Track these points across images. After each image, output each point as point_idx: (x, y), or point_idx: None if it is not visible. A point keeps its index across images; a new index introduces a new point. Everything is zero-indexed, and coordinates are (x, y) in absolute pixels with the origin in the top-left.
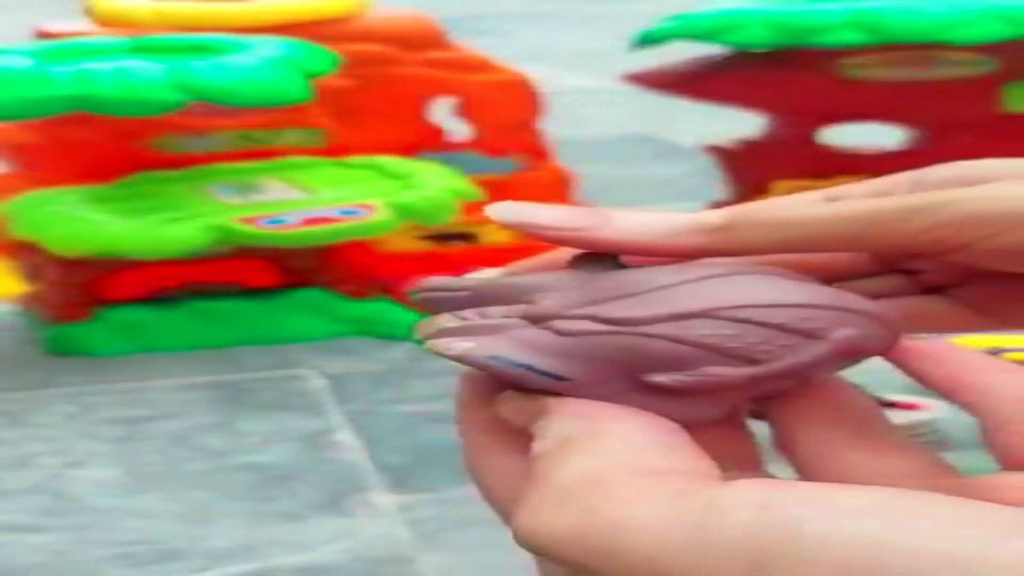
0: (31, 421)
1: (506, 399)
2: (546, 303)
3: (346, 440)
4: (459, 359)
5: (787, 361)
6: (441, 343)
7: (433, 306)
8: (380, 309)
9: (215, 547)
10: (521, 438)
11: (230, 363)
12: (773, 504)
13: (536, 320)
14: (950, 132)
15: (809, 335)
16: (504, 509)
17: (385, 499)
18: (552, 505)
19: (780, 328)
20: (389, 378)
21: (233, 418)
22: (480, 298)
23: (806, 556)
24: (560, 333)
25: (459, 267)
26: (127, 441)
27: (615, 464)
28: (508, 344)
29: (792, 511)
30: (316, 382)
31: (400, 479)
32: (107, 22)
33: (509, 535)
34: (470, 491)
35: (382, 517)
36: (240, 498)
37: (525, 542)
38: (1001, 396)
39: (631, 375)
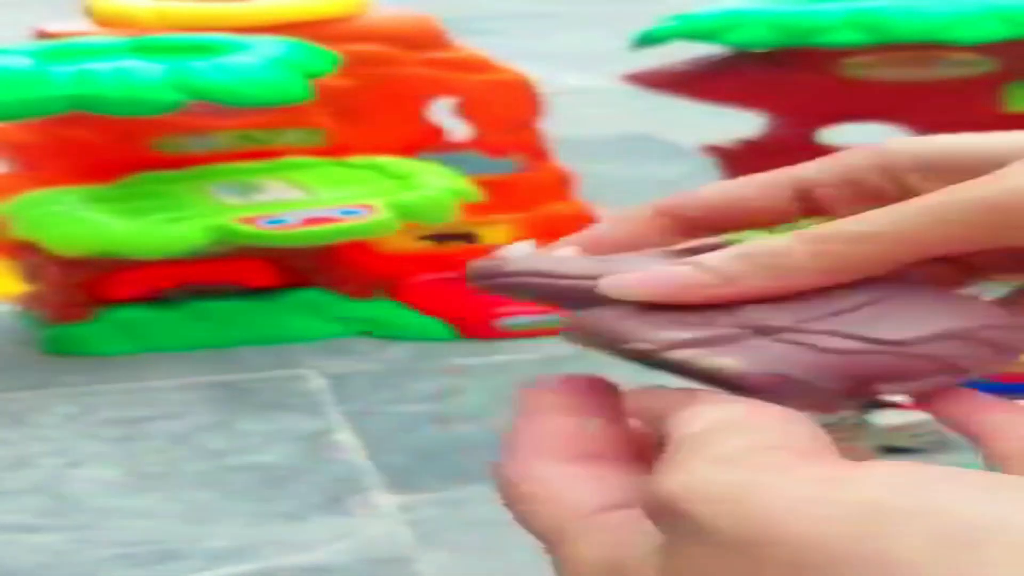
0: (31, 421)
1: (638, 393)
2: (779, 316)
3: (346, 440)
4: (723, 375)
5: (986, 372)
6: (692, 354)
7: (505, 290)
8: (380, 309)
9: (215, 547)
10: (576, 450)
11: (230, 363)
12: (926, 484)
13: (767, 332)
14: (950, 132)
15: (1005, 351)
16: (553, 519)
17: (385, 499)
18: (710, 470)
19: (993, 345)
20: (389, 378)
21: (233, 418)
22: (554, 277)
23: (985, 534)
24: (824, 351)
25: (459, 267)
26: (127, 441)
27: (769, 443)
28: (777, 360)
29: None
30: (316, 382)
31: (400, 479)
32: (107, 22)
33: (508, 535)
34: (470, 491)
35: (382, 517)
36: (240, 498)
37: (670, 501)
38: (1006, 435)
39: (851, 387)
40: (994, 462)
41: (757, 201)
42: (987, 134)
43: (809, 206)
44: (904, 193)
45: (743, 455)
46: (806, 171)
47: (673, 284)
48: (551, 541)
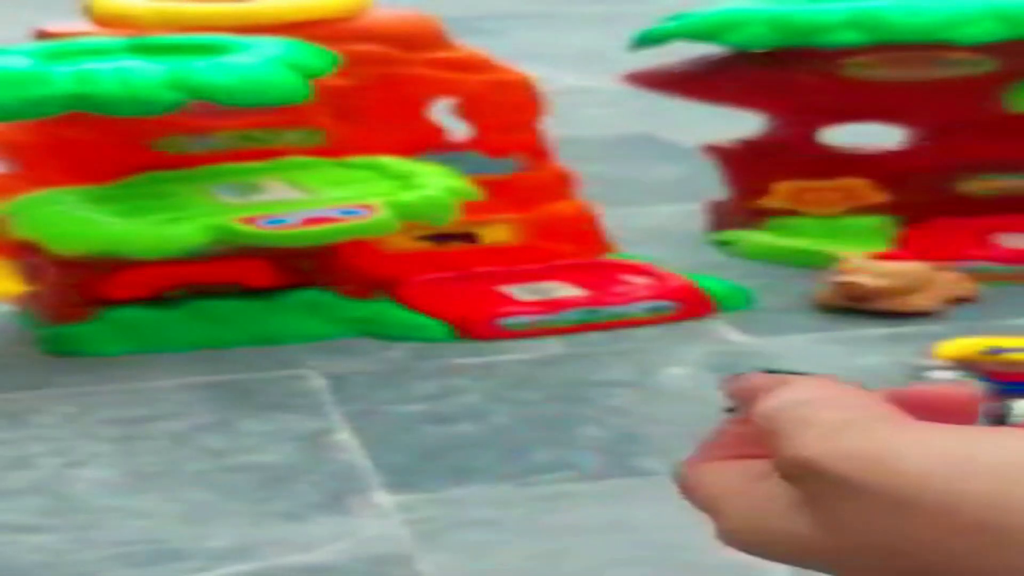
0: (31, 421)
1: (745, 377)
2: None
3: (346, 440)
4: None
5: None
6: None
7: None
8: (380, 309)
9: (215, 547)
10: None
11: (230, 363)
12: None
13: None
14: (950, 132)
15: None
16: (711, 497)
17: (385, 499)
18: (831, 434)
19: None
20: (389, 378)
21: (233, 418)
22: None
23: None
24: None
25: (459, 267)
26: (127, 441)
27: (865, 413)
28: None
29: None
30: (316, 382)
31: (400, 479)
32: (107, 22)
33: (508, 535)
34: (470, 491)
35: (382, 517)
36: (240, 498)
37: (811, 462)
38: None
39: None
40: None
41: None
42: None
43: None
44: None
45: (850, 425)
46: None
47: None
48: (712, 512)
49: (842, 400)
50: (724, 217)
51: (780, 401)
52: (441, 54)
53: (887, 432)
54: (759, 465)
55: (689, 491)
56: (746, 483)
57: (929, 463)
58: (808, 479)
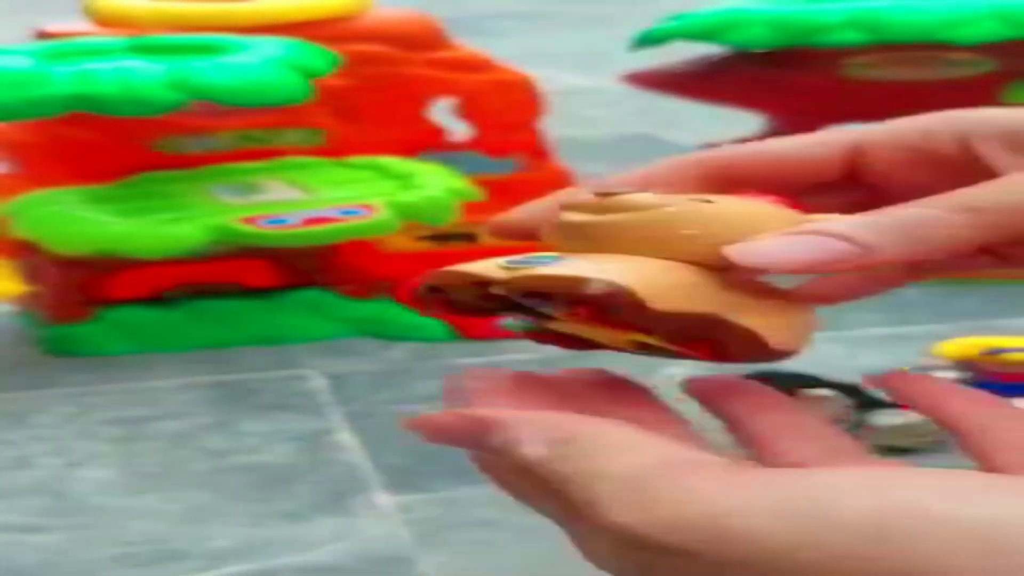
0: (31, 421)
1: (448, 415)
2: None
3: (346, 440)
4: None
5: None
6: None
7: None
8: (380, 309)
9: (215, 547)
10: None
11: (230, 363)
12: (883, 486)
13: None
14: None
15: None
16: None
17: (385, 499)
18: (638, 495)
19: None
20: (389, 378)
21: (233, 418)
22: None
23: (933, 531)
24: None
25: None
26: (127, 441)
27: (661, 457)
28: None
29: (907, 493)
30: (316, 382)
31: (400, 479)
32: (107, 22)
33: (509, 535)
34: (470, 491)
35: (382, 517)
36: (240, 498)
37: (626, 535)
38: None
39: None
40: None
41: (805, 160)
42: None
43: (858, 169)
44: (977, 165)
45: (654, 476)
46: (864, 133)
47: (820, 253)
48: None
49: (616, 440)
50: None
51: (533, 446)
52: (441, 54)
53: (704, 484)
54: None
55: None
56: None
57: (772, 524)
58: (624, 545)
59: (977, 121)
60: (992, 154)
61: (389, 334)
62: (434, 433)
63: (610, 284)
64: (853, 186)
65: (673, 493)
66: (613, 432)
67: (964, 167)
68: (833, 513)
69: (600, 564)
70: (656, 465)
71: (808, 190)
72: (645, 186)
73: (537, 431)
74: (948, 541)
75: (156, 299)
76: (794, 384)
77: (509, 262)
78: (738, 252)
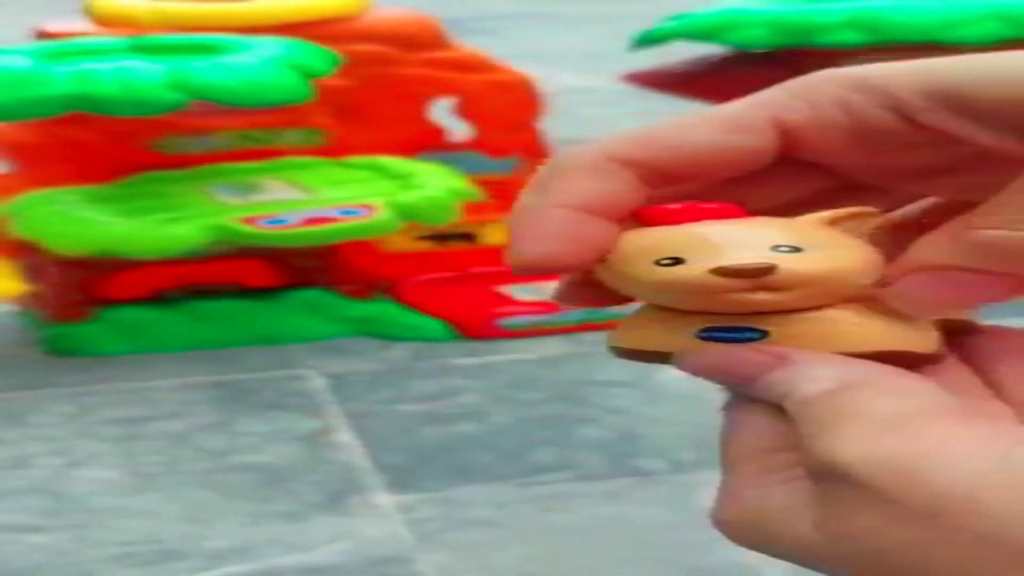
0: (31, 421)
1: (737, 349)
2: None
3: (346, 440)
4: None
5: None
6: None
7: None
8: (380, 309)
9: (215, 547)
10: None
11: (230, 363)
12: None
13: None
14: None
15: None
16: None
17: (385, 499)
18: (877, 433)
19: None
20: (389, 378)
21: (233, 418)
22: None
23: None
24: None
25: (459, 267)
26: (127, 441)
27: (923, 405)
28: None
29: None
30: (316, 382)
31: (400, 479)
32: (107, 22)
33: (508, 535)
34: (470, 491)
35: (382, 517)
36: (240, 498)
37: (845, 469)
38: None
39: None
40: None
41: (732, 153)
42: (990, 55)
43: (792, 153)
44: (927, 135)
45: (907, 421)
46: (782, 114)
47: (968, 290)
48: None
49: (894, 385)
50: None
51: (819, 382)
52: (441, 54)
53: (940, 434)
54: (782, 457)
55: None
56: (762, 470)
57: (960, 474)
58: (836, 481)
59: (884, 82)
60: (945, 124)
61: (389, 334)
62: (718, 364)
63: (882, 352)
64: (793, 169)
65: (907, 436)
66: (894, 376)
67: (912, 138)
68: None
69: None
70: (908, 413)
71: (744, 181)
72: (591, 206)
73: (831, 368)
74: None
75: (156, 299)
76: None
77: (705, 334)
78: (897, 299)
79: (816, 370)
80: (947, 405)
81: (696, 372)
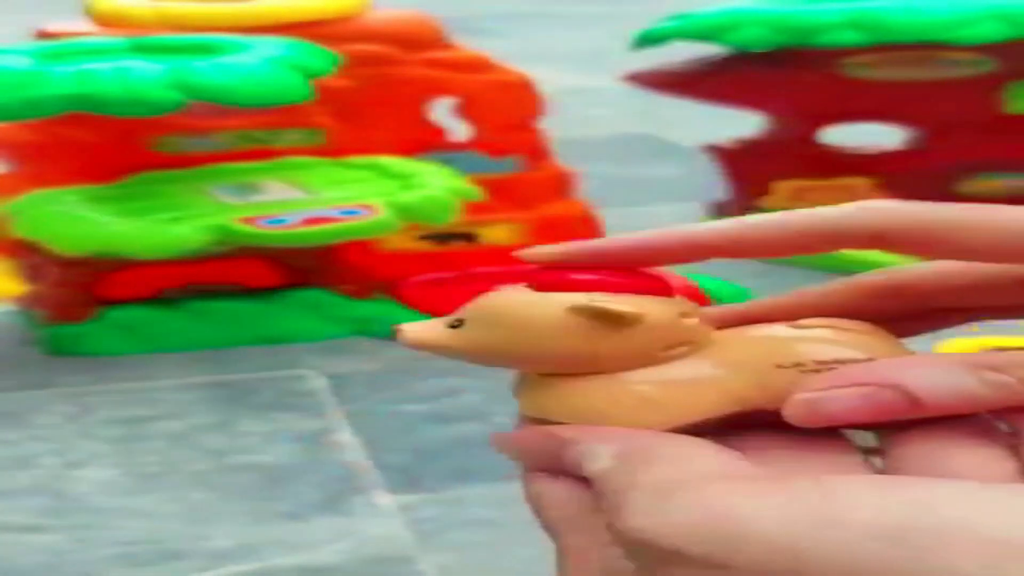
0: (31, 421)
1: (528, 432)
2: None
3: (346, 440)
4: None
5: None
6: None
7: None
8: (380, 309)
9: (215, 547)
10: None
11: (230, 363)
12: (895, 488)
13: None
14: (950, 132)
15: None
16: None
17: (385, 499)
18: (660, 502)
19: None
20: (389, 378)
21: (233, 418)
22: None
23: (945, 529)
24: None
25: (459, 267)
26: (127, 441)
27: (699, 470)
28: None
29: (918, 493)
30: (316, 382)
31: (400, 479)
32: (107, 22)
33: (509, 535)
34: (470, 491)
35: (382, 517)
36: (240, 498)
37: (641, 538)
38: None
39: None
40: None
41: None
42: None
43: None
44: None
45: (683, 484)
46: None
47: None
48: (556, 543)
49: (669, 453)
50: (724, 217)
51: (600, 459)
52: (441, 54)
53: (723, 493)
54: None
55: (534, 504)
56: (591, 535)
57: (778, 528)
58: (640, 551)
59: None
60: None
61: (389, 334)
62: (511, 449)
63: None
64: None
65: (688, 500)
66: (672, 445)
67: None
68: (846, 515)
69: None
70: (690, 477)
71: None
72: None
73: (608, 445)
74: (963, 546)
75: (156, 299)
76: None
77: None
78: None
79: (596, 448)
80: (726, 466)
81: (505, 452)
